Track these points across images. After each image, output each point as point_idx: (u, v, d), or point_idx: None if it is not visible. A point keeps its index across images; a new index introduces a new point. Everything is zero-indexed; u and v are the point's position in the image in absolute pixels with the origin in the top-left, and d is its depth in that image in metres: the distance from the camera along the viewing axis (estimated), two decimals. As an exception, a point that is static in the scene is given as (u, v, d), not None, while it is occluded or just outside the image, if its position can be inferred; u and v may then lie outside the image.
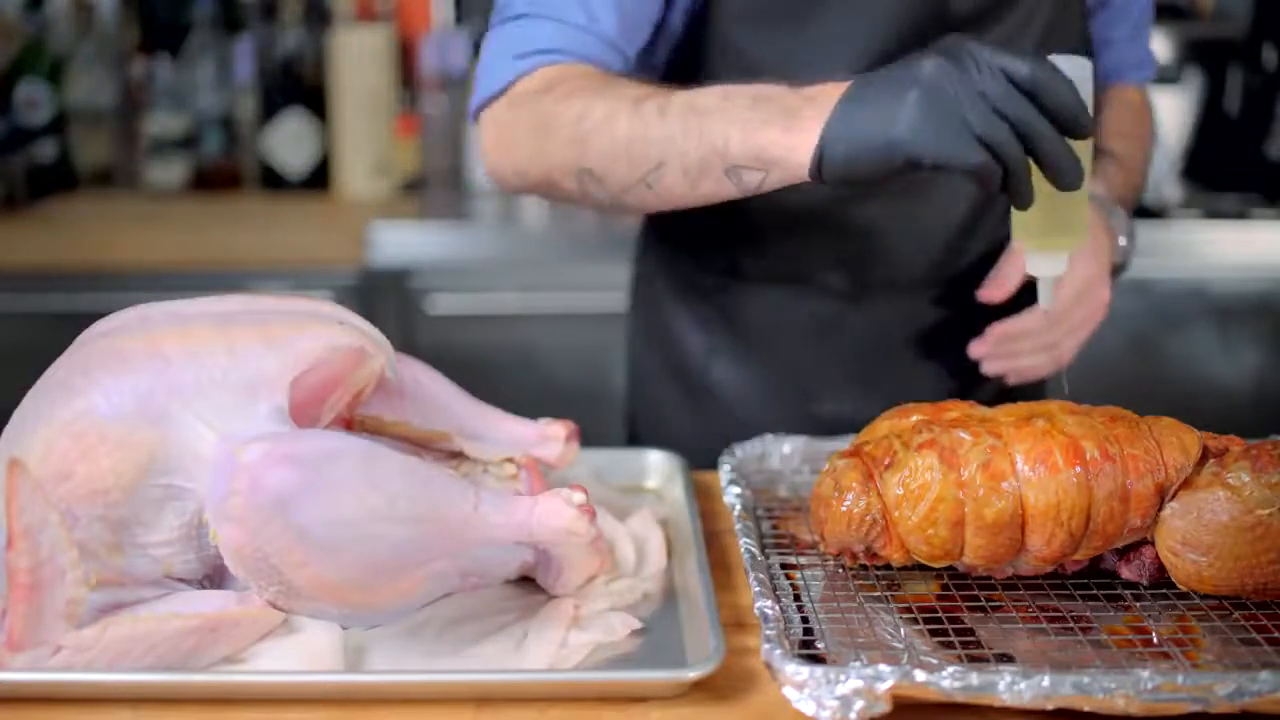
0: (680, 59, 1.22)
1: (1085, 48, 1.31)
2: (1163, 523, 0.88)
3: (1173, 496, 0.88)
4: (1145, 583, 0.91)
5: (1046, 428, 0.87)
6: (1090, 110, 0.88)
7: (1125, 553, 0.91)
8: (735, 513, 0.96)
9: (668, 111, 1.00)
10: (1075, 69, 0.88)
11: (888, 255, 1.24)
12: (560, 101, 1.05)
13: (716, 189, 0.99)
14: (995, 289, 1.20)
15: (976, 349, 1.21)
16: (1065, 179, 0.86)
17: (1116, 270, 1.25)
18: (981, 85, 0.85)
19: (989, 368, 1.21)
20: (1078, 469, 0.86)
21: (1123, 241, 1.24)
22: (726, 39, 1.18)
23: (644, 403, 1.41)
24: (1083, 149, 0.89)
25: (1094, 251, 1.19)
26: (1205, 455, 0.89)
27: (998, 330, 1.18)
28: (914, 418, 0.93)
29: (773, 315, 1.29)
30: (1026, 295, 1.19)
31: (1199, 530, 0.86)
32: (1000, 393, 1.29)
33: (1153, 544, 0.89)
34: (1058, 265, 0.95)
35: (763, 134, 0.94)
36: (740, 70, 1.18)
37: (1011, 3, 1.19)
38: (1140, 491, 0.87)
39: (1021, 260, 1.19)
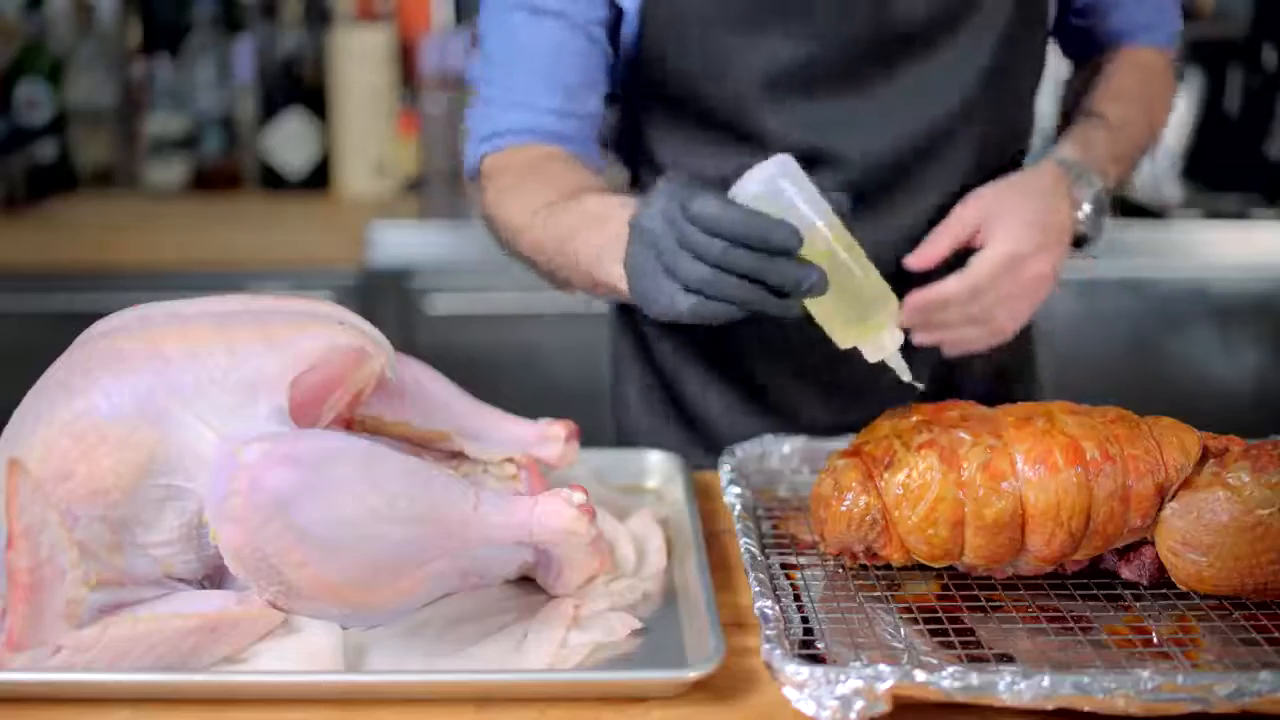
0: (630, 81, 1.23)
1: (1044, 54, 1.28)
2: (1163, 523, 0.88)
3: (1173, 497, 0.88)
4: (1145, 583, 0.91)
5: (1047, 427, 0.87)
6: (813, 209, 0.86)
7: (1125, 553, 0.91)
8: (735, 513, 0.96)
9: (548, 230, 1.08)
10: (775, 170, 0.86)
11: None
12: (498, 198, 1.18)
13: (609, 294, 1.06)
14: (920, 257, 1.16)
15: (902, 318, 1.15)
16: (801, 293, 0.85)
17: (1080, 241, 1.19)
18: (683, 234, 0.84)
19: (918, 338, 1.16)
20: (1078, 469, 0.86)
21: (1086, 209, 1.18)
22: (664, 57, 1.19)
23: (627, 417, 1.40)
24: (828, 233, 0.86)
25: (1030, 220, 1.13)
26: (1205, 455, 0.89)
27: (916, 298, 1.13)
28: (914, 418, 0.93)
29: (742, 329, 1.29)
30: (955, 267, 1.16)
31: (1199, 530, 0.86)
32: (982, 397, 1.28)
33: (1153, 544, 0.89)
34: (891, 341, 0.91)
35: (605, 267, 0.99)
36: (682, 87, 1.19)
37: (966, 12, 1.17)
38: (1140, 492, 0.87)
39: (952, 227, 1.15)
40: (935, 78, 1.18)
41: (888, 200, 1.20)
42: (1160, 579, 0.90)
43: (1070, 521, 0.86)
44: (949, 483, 0.86)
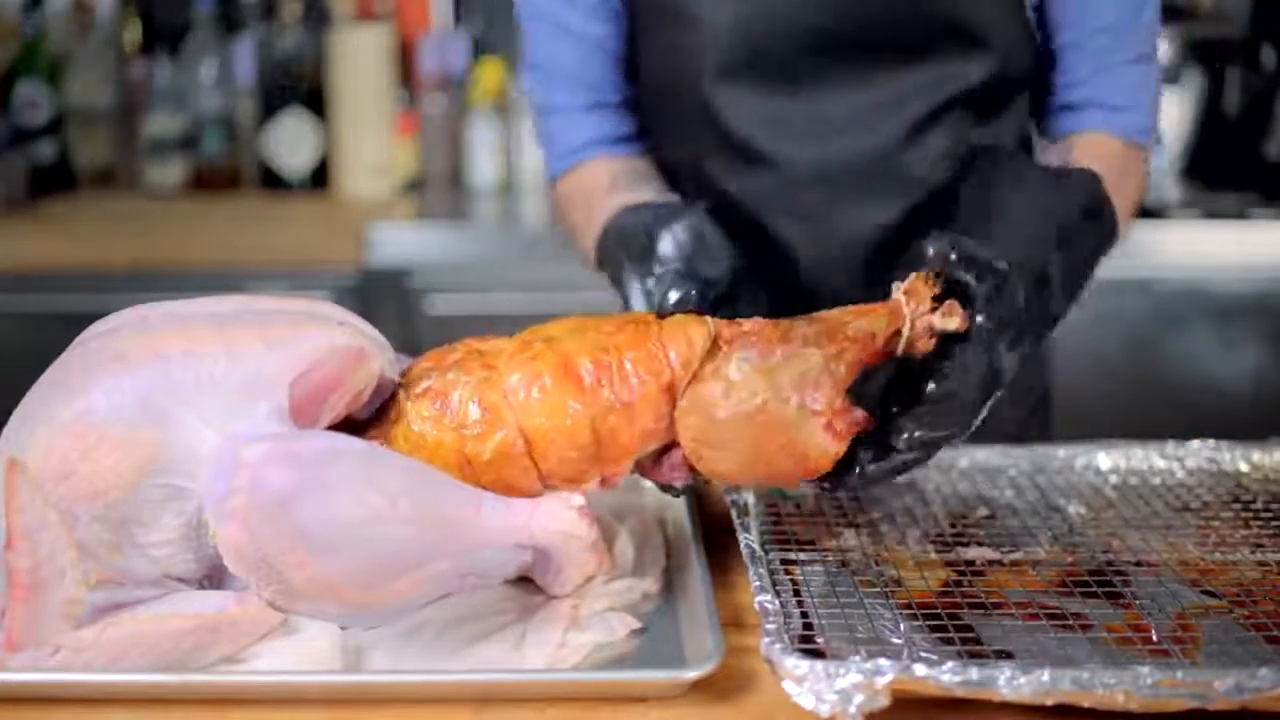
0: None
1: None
2: (678, 422, 0.87)
3: (683, 394, 0.86)
4: (680, 485, 0.90)
5: (540, 350, 0.86)
6: None
7: (659, 457, 0.90)
8: (735, 510, 0.96)
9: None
10: None
11: (808, 273, 1.21)
12: (568, 217, 1.26)
13: None
14: None
15: None
16: None
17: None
18: None
19: None
20: (571, 386, 0.84)
21: None
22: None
23: None
24: None
25: None
26: (717, 346, 0.87)
27: None
28: (424, 363, 0.90)
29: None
30: None
31: (709, 425, 0.86)
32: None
33: (679, 444, 0.88)
34: None
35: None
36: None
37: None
38: (646, 395, 0.85)
39: None
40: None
41: (827, 218, 1.20)
42: (697, 477, 0.90)
43: (576, 439, 0.85)
44: (445, 427, 0.85)
